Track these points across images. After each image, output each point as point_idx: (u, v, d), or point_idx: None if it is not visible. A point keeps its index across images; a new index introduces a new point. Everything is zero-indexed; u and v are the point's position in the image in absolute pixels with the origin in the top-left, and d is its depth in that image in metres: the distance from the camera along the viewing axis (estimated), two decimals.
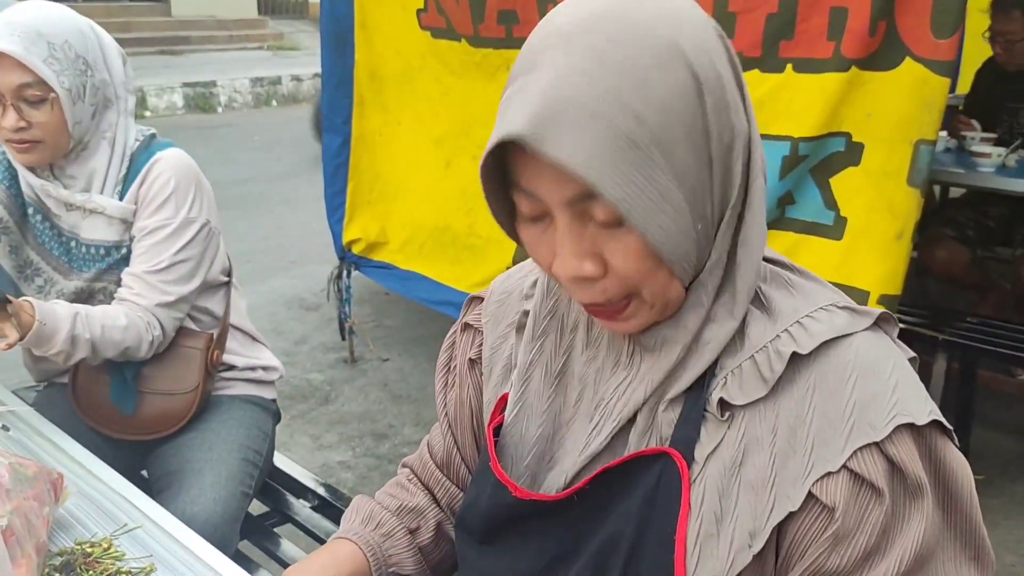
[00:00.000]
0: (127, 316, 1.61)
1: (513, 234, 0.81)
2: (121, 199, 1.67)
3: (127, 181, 1.69)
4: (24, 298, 1.51)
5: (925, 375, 2.65)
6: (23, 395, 1.72)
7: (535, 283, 0.95)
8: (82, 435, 1.56)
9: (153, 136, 1.75)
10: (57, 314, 1.52)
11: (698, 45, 0.72)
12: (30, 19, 1.55)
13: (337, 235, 3.68)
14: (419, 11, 3.19)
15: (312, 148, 3.62)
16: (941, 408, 0.81)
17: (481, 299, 1.03)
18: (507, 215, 0.81)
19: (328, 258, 3.93)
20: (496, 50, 2.95)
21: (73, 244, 1.69)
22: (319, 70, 3.60)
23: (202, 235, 1.70)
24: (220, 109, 9.58)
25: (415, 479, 1.11)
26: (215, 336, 1.79)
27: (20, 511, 1.02)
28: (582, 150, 0.68)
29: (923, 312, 2.91)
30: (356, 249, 3.65)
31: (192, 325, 1.78)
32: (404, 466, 1.14)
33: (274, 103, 10.17)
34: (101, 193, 1.66)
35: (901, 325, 0.84)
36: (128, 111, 1.72)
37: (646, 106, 0.69)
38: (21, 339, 1.45)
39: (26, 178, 1.66)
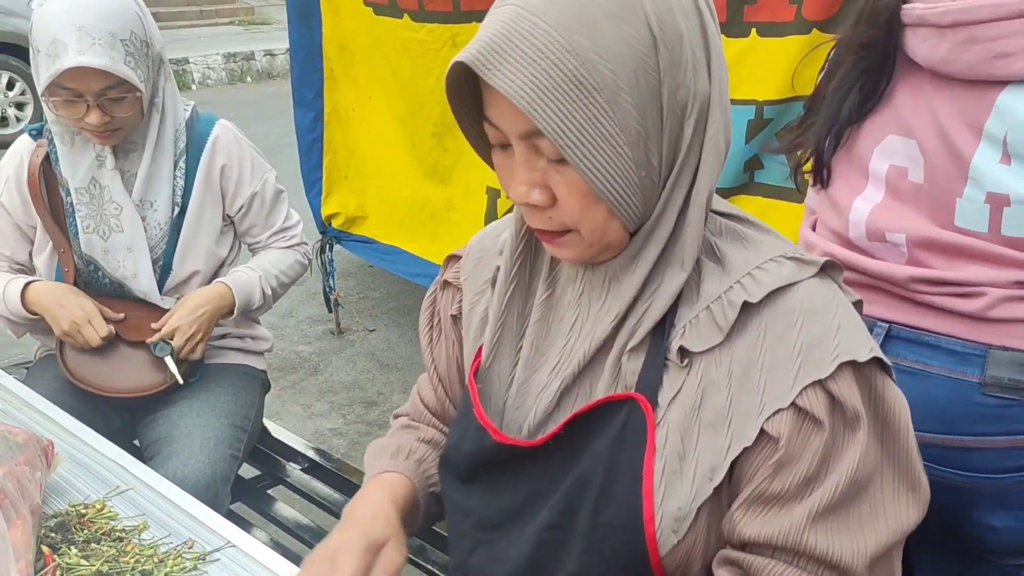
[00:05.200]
0: (289, 258, 1.92)
1: (489, 160, 0.88)
2: (191, 172, 1.78)
3: (190, 153, 1.77)
4: (219, 280, 1.81)
5: None
6: (12, 372, 1.75)
7: None
8: (74, 407, 1.60)
9: (195, 108, 1.83)
10: (247, 285, 1.82)
11: (662, 1, 0.77)
12: (97, 20, 1.54)
13: (316, 210, 3.69)
14: None
15: (288, 123, 3.60)
16: None
17: (459, 257, 1.07)
18: (484, 143, 0.87)
19: (310, 232, 3.93)
20: (443, 24, 2.90)
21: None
22: None
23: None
24: (194, 86, 9.46)
25: (415, 423, 1.16)
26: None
27: (12, 475, 1.06)
28: (524, 82, 0.74)
29: None
30: (336, 223, 3.67)
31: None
32: (399, 415, 1.19)
33: (248, 79, 10.06)
34: (155, 163, 1.73)
35: None
36: (170, 74, 1.76)
37: (595, 52, 0.75)
38: (232, 315, 1.80)
39: (83, 171, 1.70)
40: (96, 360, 1.76)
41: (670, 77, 0.78)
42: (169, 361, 1.72)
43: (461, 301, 1.05)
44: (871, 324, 1.20)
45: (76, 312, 1.69)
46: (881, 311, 1.20)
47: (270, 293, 1.87)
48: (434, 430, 1.14)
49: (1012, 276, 1.12)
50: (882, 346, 1.18)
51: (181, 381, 1.74)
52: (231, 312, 1.81)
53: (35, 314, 1.74)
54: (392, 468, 1.05)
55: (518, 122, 0.79)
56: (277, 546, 1.52)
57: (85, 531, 1.15)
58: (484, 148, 0.88)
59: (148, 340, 1.73)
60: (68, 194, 1.73)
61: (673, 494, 0.82)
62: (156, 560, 1.11)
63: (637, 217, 0.82)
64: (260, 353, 2.01)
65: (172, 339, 1.72)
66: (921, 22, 1.13)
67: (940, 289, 1.15)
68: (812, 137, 1.26)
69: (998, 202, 1.11)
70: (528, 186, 0.82)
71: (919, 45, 1.14)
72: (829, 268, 0.86)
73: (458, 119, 0.86)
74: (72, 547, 1.11)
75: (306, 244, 2.01)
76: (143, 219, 1.74)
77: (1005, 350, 1.11)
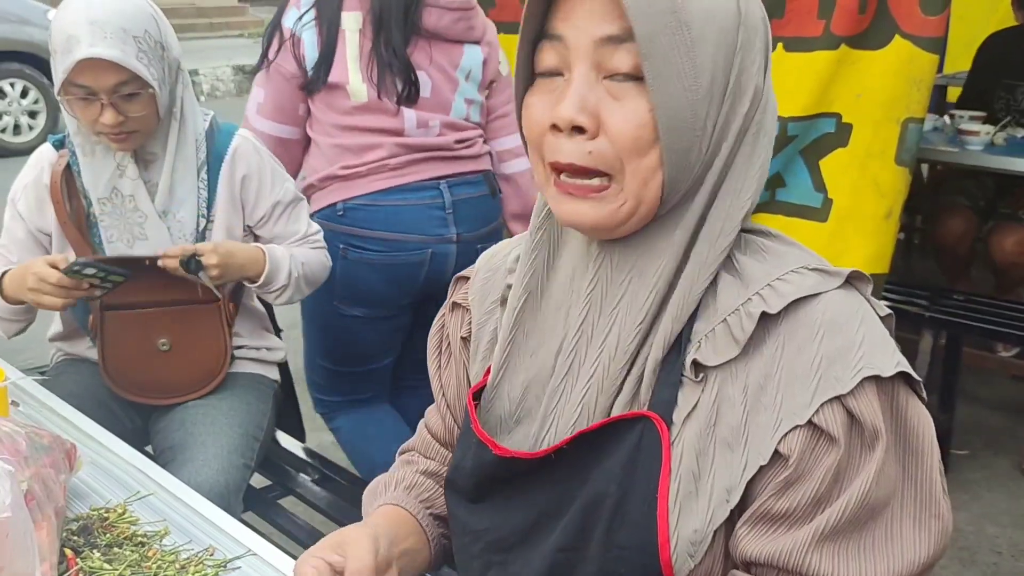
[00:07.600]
0: (314, 256, 1.88)
1: (520, 96, 0.84)
2: (212, 183, 1.76)
3: (211, 164, 1.75)
4: (256, 244, 1.77)
5: (911, 352, 2.68)
6: (31, 375, 1.74)
7: (518, 258, 0.95)
8: (89, 411, 1.57)
9: (214, 118, 1.81)
10: (279, 257, 1.78)
11: None
12: (110, 15, 1.55)
13: None
14: None
15: None
16: (926, 385, 0.83)
17: (467, 278, 1.04)
18: (523, 84, 0.83)
19: None
20: None
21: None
22: None
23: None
24: (203, 97, 9.51)
25: (420, 456, 1.12)
26: (225, 291, 1.81)
27: (39, 477, 1.04)
28: None
29: (909, 290, 2.95)
30: None
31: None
32: (404, 451, 1.15)
33: None
34: (177, 173, 1.72)
35: (887, 303, 0.86)
36: (188, 83, 1.75)
37: None
38: (254, 282, 1.75)
39: (105, 181, 1.70)
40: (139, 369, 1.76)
41: (741, 58, 0.78)
42: (203, 276, 1.65)
43: (471, 323, 1.01)
44: (435, 184, 2.08)
45: (31, 282, 1.58)
46: (443, 170, 2.10)
47: (296, 276, 1.80)
48: (434, 463, 1.09)
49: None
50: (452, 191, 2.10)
51: (219, 295, 1.73)
52: (255, 278, 1.74)
53: (19, 302, 1.67)
54: (384, 502, 1.02)
55: (602, 22, 0.75)
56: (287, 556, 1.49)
57: (107, 535, 1.13)
58: (525, 79, 0.83)
59: (178, 258, 1.62)
60: (90, 205, 1.72)
61: (689, 516, 0.79)
62: (178, 566, 1.09)
63: (677, 181, 0.79)
64: (274, 363, 2.00)
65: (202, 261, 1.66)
66: (436, 4, 2.03)
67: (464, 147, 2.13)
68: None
69: (472, 103, 2.15)
70: (580, 104, 0.76)
71: (430, 18, 2.03)
72: (856, 279, 0.83)
73: (523, 32, 0.81)
74: (95, 551, 1.10)
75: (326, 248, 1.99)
76: (167, 229, 1.73)
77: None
